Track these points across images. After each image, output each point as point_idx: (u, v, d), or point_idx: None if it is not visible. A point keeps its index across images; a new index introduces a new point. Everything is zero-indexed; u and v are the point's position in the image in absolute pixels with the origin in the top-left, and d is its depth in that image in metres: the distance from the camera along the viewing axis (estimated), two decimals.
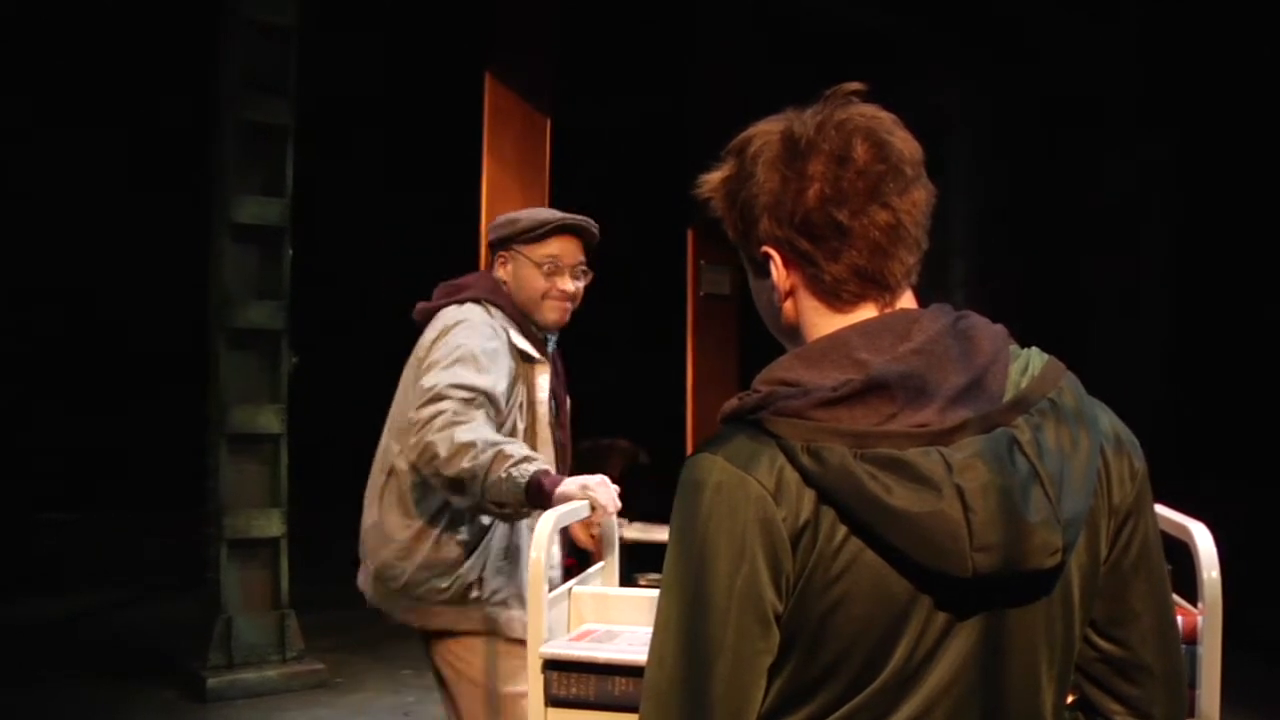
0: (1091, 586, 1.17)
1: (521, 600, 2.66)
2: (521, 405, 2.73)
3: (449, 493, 2.49)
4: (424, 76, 8.84)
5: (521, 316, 2.77)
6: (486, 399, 2.53)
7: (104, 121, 8.90)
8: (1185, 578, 1.57)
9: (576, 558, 3.19)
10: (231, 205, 5.50)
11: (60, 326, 9.42)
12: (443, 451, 2.38)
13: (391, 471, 2.70)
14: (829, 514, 1.08)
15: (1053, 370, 1.16)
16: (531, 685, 1.85)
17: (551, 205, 3.08)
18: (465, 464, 2.36)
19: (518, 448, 2.39)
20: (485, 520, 2.66)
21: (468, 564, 2.65)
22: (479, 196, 6.19)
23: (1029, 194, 7.89)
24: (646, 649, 1.16)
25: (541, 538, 1.92)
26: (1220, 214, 7.45)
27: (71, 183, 9.02)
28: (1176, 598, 1.45)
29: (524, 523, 2.68)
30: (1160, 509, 1.39)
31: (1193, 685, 1.66)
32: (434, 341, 2.64)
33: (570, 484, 2.32)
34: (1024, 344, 1.21)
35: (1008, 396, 1.12)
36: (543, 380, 2.78)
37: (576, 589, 2.10)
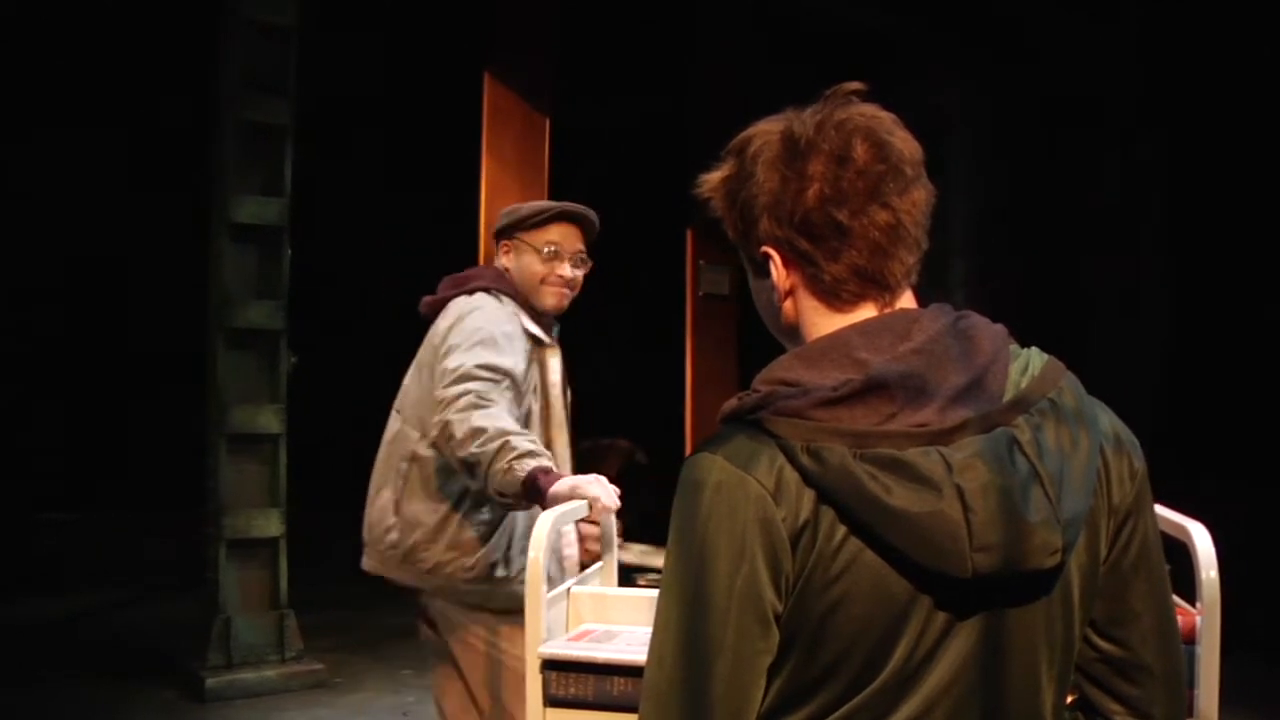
0: (1091, 586, 1.17)
1: (549, 579, 2.69)
2: (536, 388, 2.81)
3: (464, 473, 2.55)
4: (423, 76, 8.83)
5: (526, 303, 2.85)
6: (510, 379, 2.61)
7: (104, 121, 8.90)
8: (1184, 578, 1.56)
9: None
10: (231, 205, 5.49)
11: (60, 326, 9.41)
12: (458, 433, 2.45)
13: (413, 458, 2.77)
14: (828, 514, 1.08)
15: (1053, 370, 1.16)
16: (530, 685, 1.84)
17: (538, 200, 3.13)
18: (474, 449, 2.42)
19: (525, 440, 2.42)
20: None
21: (492, 542, 2.73)
22: (478, 196, 6.19)
23: (1029, 194, 7.89)
24: (645, 649, 1.16)
25: (540, 538, 1.92)
26: (1220, 214, 7.45)
27: (71, 183, 9.01)
28: (1175, 598, 1.45)
29: None
30: (1159, 509, 1.38)
31: (1191, 685, 1.66)
32: (450, 327, 2.71)
33: (563, 484, 2.33)
34: (1024, 344, 1.21)
35: (1008, 396, 1.12)
36: (554, 363, 2.87)
37: (575, 589, 2.10)
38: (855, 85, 1.22)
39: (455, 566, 2.75)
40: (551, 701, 1.83)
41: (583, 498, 2.28)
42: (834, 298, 1.19)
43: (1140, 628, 1.21)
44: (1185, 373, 7.60)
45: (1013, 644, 1.12)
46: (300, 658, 5.60)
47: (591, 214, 2.92)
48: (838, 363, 1.12)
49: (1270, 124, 6.88)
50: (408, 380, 2.90)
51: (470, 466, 2.46)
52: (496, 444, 2.40)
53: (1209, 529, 1.70)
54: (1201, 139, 7.45)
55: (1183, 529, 1.71)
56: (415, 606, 2.94)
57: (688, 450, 7.12)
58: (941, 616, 1.09)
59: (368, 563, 2.91)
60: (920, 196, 1.20)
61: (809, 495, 1.08)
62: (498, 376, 2.58)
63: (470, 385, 2.52)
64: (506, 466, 2.37)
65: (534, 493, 2.35)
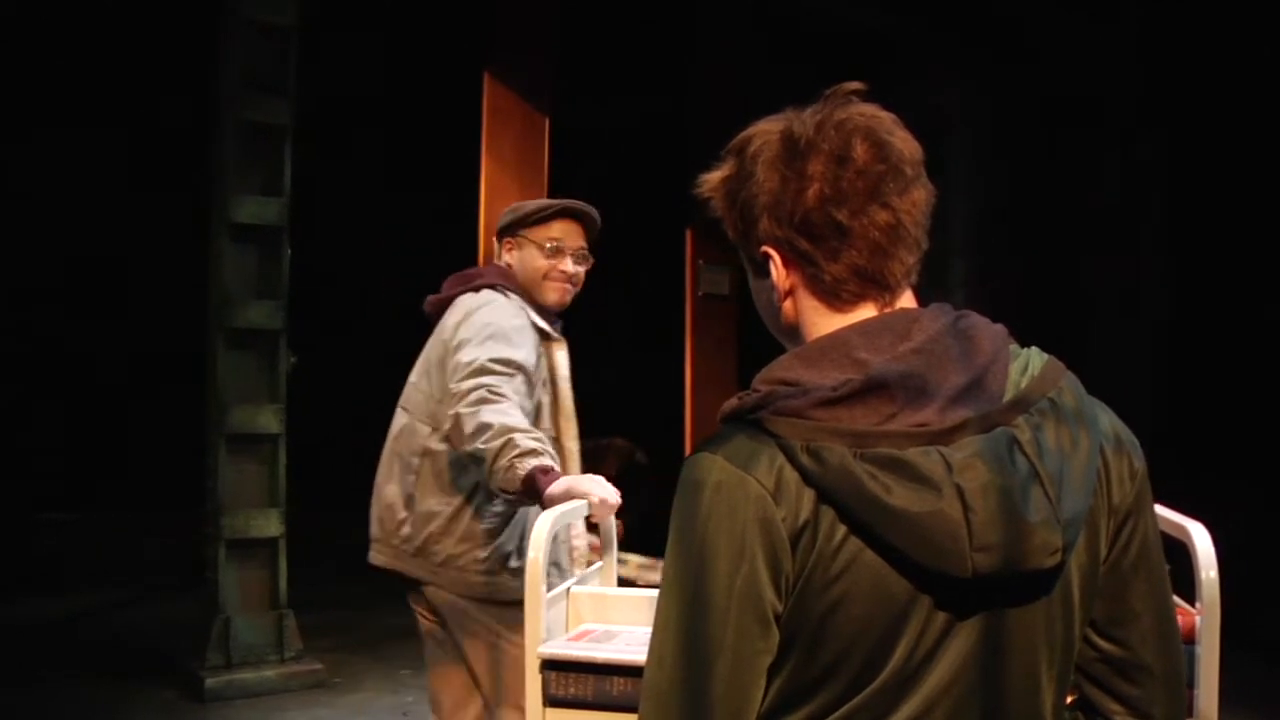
0: (1091, 586, 1.17)
1: (559, 568, 2.76)
2: (545, 382, 2.84)
3: (474, 466, 2.60)
4: (423, 76, 8.83)
5: (531, 299, 2.90)
6: (522, 372, 2.65)
7: (104, 121, 8.90)
8: (1184, 578, 1.57)
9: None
10: (230, 205, 5.49)
11: (60, 326, 9.41)
12: (467, 428, 2.49)
13: (425, 452, 2.81)
14: (828, 514, 1.08)
15: (1053, 370, 1.16)
16: (529, 685, 1.84)
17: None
18: (479, 445, 2.46)
19: (528, 439, 2.44)
20: None
21: (505, 534, 2.78)
22: (478, 196, 6.19)
23: (1029, 194, 7.89)
24: (645, 649, 1.16)
25: (539, 537, 1.92)
26: (1220, 214, 7.45)
27: (71, 183, 9.01)
28: (1175, 598, 1.45)
29: None
30: (1159, 509, 1.38)
31: (1191, 685, 1.66)
32: (460, 322, 2.75)
33: (559, 485, 2.35)
34: (1024, 344, 1.21)
35: (1008, 396, 1.12)
36: (561, 357, 2.91)
37: (575, 589, 2.10)
38: (855, 85, 1.22)
39: (468, 559, 2.78)
40: (551, 701, 1.83)
41: (578, 497, 2.29)
42: (834, 298, 1.19)
43: (1140, 628, 1.21)
44: (1185, 373, 7.60)
45: (1013, 644, 1.12)
46: (300, 658, 5.60)
47: (593, 211, 2.97)
48: (838, 363, 1.12)
49: (1270, 124, 6.88)
50: (415, 377, 2.93)
51: (477, 462, 2.51)
52: (500, 441, 2.42)
53: (1209, 529, 1.70)
54: (1201, 139, 7.45)
55: (1183, 529, 1.71)
56: (416, 602, 2.95)
57: (687, 450, 7.11)
58: (941, 616, 1.09)
59: (378, 558, 2.94)
60: (920, 196, 1.20)
61: (809, 495, 1.08)
62: (510, 370, 2.61)
63: (483, 379, 2.56)
64: (508, 464, 2.40)
65: (532, 492, 2.38)
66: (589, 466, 3.01)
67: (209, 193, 5.65)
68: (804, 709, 1.12)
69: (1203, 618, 1.68)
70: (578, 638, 1.96)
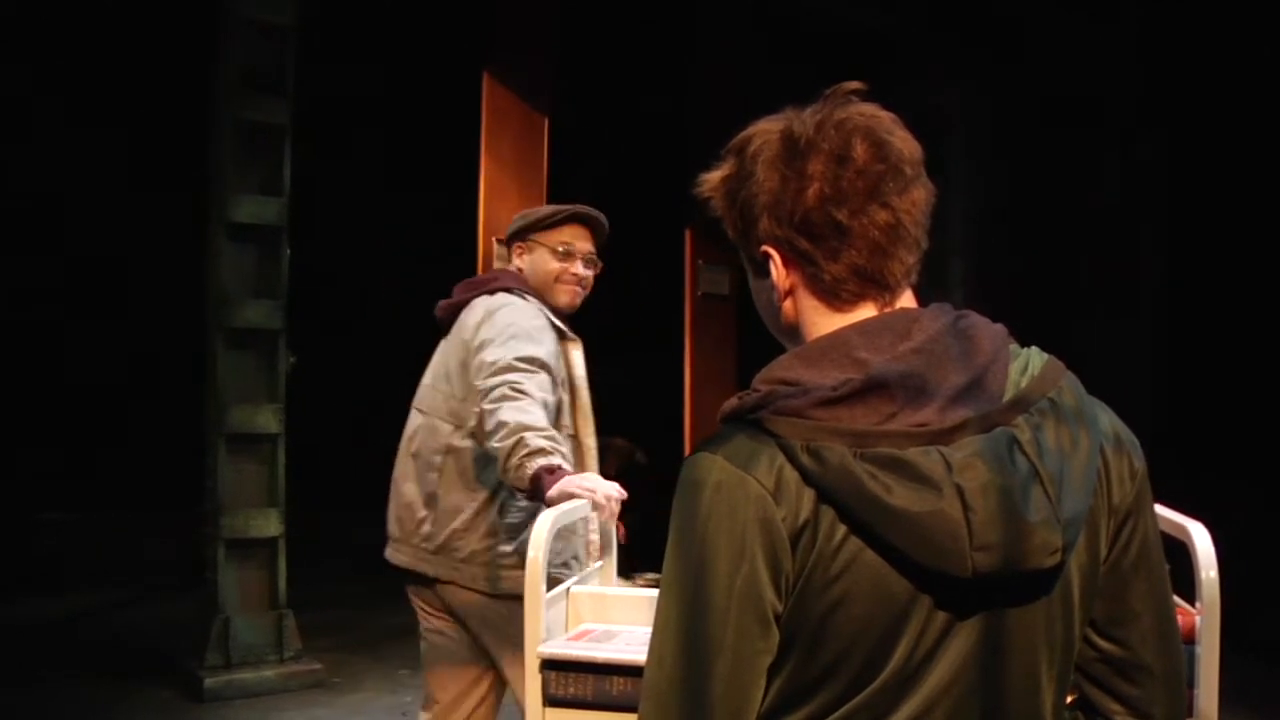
0: (1091, 586, 1.17)
1: (577, 561, 2.80)
2: (563, 381, 2.88)
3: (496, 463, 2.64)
4: (423, 76, 8.83)
5: (543, 302, 2.96)
6: (545, 370, 2.72)
7: (103, 121, 8.90)
8: (1184, 577, 1.56)
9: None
10: (229, 204, 5.49)
11: (60, 326, 9.41)
12: (487, 425, 2.58)
13: (448, 450, 2.87)
14: (828, 513, 1.08)
15: (1052, 370, 1.16)
16: (529, 685, 1.84)
17: (550, 204, 3.19)
18: (494, 443, 2.53)
19: (539, 438, 2.48)
20: None
21: (530, 529, 2.75)
22: (477, 196, 6.19)
23: (1028, 194, 7.89)
24: (644, 649, 1.15)
25: (539, 538, 1.92)
26: (1220, 214, 7.45)
27: (70, 182, 9.01)
28: (1175, 597, 1.45)
29: None
30: (1159, 509, 1.38)
31: (1191, 685, 1.66)
32: (481, 323, 2.82)
33: (556, 488, 2.37)
34: (1024, 343, 1.20)
35: (1008, 396, 1.12)
36: (578, 356, 2.97)
37: (575, 589, 2.10)
38: (855, 85, 1.22)
39: (493, 554, 2.81)
40: (551, 701, 1.82)
41: (573, 497, 2.30)
42: (834, 297, 1.19)
43: (1140, 627, 1.21)
44: (1185, 372, 7.60)
45: (1013, 644, 1.12)
46: (299, 658, 5.59)
47: (602, 217, 3.05)
48: (838, 362, 1.12)
49: (1270, 124, 6.88)
50: (430, 379, 2.99)
51: (495, 459, 2.57)
52: (513, 440, 2.48)
53: (1209, 529, 1.70)
54: (1201, 139, 7.45)
55: (1183, 529, 1.71)
56: (429, 602, 2.97)
57: (687, 450, 7.11)
58: (942, 616, 1.09)
59: (398, 557, 2.97)
60: (920, 196, 1.19)
61: (809, 495, 1.08)
62: (534, 368, 2.67)
63: (507, 376, 2.62)
64: (518, 463, 2.46)
65: (538, 493, 2.41)
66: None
67: (208, 192, 5.65)
68: (804, 709, 1.12)
69: (1203, 618, 1.68)
70: (577, 637, 1.96)
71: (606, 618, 2.05)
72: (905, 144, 1.19)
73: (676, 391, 7.27)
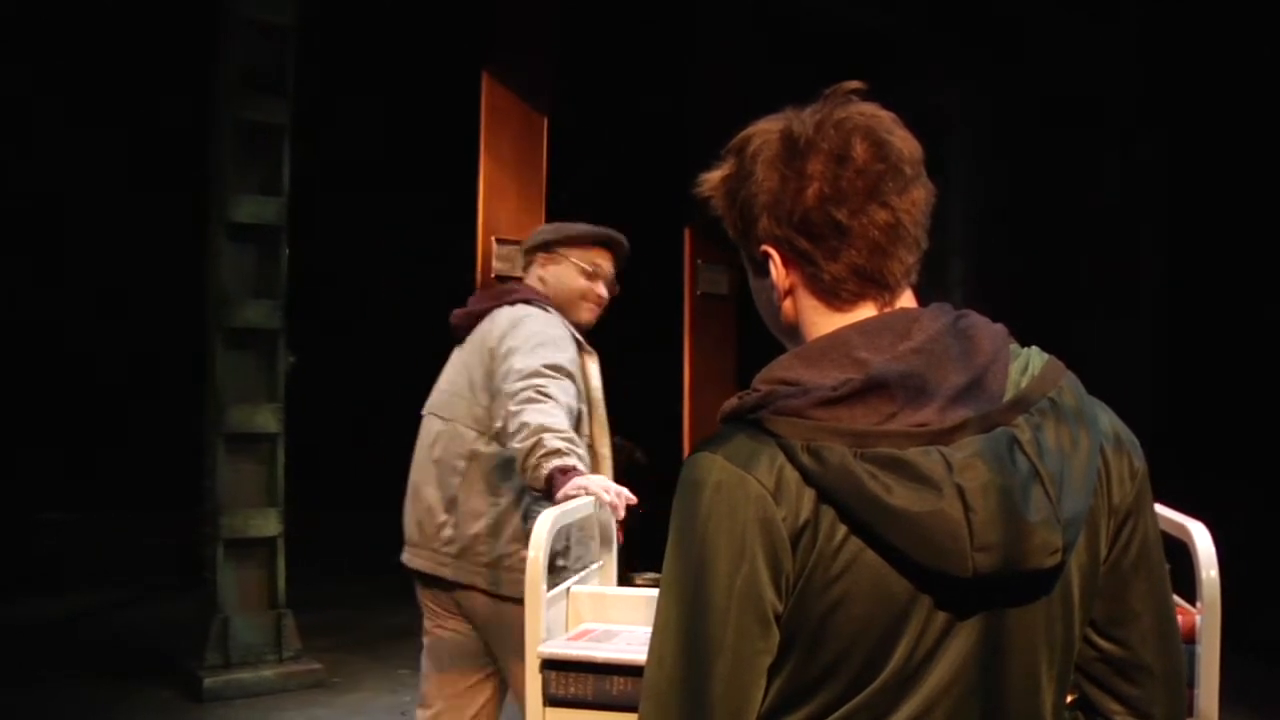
0: (1091, 586, 1.17)
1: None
2: (581, 393, 2.94)
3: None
4: (422, 76, 8.83)
5: (562, 315, 3.04)
6: (570, 377, 2.81)
7: (103, 121, 8.89)
8: (1184, 577, 1.56)
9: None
10: (229, 204, 5.49)
11: (60, 326, 9.41)
12: (510, 426, 2.66)
13: (472, 455, 2.92)
14: (829, 513, 1.08)
15: (1053, 370, 1.16)
16: (529, 685, 1.84)
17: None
18: (515, 443, 2.61)
19: (557, 439, 2.55)
20: None
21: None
22: (476, 196, 6.19)
23: (1028, 194, 7.89)
24: (644, 648, 1.15)
25: (539, 537, 1.92)
26: (1220, 214, 7.45)
27: (69, 182, 9.01)
28: (1175, 597, 1.45)
29: None
30: (1159, 508, 1.38)
31: (1191, 684, 1.66)
32: (506, 332, 2.89)
33: (566, 488, 2.42)
34: (1024, 343, 1.20)
35: (1008, 396, 1.12)
36: (594, 368, 3.05)
37: (575, 588, 2.10)
38: (855, 84, 1.22)
39: (516, 559, 2.83)
40: (551, 701, 1.82)
41: (574, 496, 2.35)
42: (833, 297, 1.19)
43: (1140, 627, 1.21)
44: (1185, 372, 7.60)
45: (1013, 644, 1.11)
46: (298, 657, 5.59)
47: (627, 244, 3.18)
48: (838, 362, 1.12)
49: (1270, 124, 6.88)
50: (447, 385, 3.05)
51: (516, 459, 2.65)
52: (532, 440, 2.56)
53: (1209, 529, 1.70)
54: (1201, 139, 7.45)
55: (1183, 528, 1.71)
56: (444, 606, 3.00)
57: (686, 450, 7.11)
58: (942, 616, 1.09)
59: (416, 561, 3.01)
60: (920, 195, 1.19)
61: (809, 495, 1.08)
62: (560, 374, 2.76)
63: (534, 380, 2.70)
64: (535, 463, 2.53)
65: (550, 493, 2.47)
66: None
67: (208, 192, 5.65)
68: (804, 709, 1.11)
69: (1203, 617, 1.68)
70: (577, 637, 1.96)
71: (606, 617, 2.05)
72: (905, 143, 1.19)
73: (676, 391, 7.27)
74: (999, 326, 1.18)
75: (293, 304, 5.70)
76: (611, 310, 3.25)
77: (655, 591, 1.18)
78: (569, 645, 1.88)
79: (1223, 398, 7.31)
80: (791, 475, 1.08)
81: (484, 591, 2.88)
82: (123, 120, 8.92)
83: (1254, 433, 6.93)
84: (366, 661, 5.93)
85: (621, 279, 3.21)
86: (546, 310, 2.99)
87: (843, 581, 1.08)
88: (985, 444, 1.07)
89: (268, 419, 5.57)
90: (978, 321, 1.17)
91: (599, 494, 2.37)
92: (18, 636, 6.19)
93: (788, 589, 1.09)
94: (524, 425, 2.60)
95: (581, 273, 3.08)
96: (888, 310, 1.19)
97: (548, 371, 2.73)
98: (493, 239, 6.17)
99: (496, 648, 2.93)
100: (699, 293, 7.40)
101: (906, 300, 1.21)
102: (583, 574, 2.27)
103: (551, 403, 2.66)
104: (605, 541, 2.41)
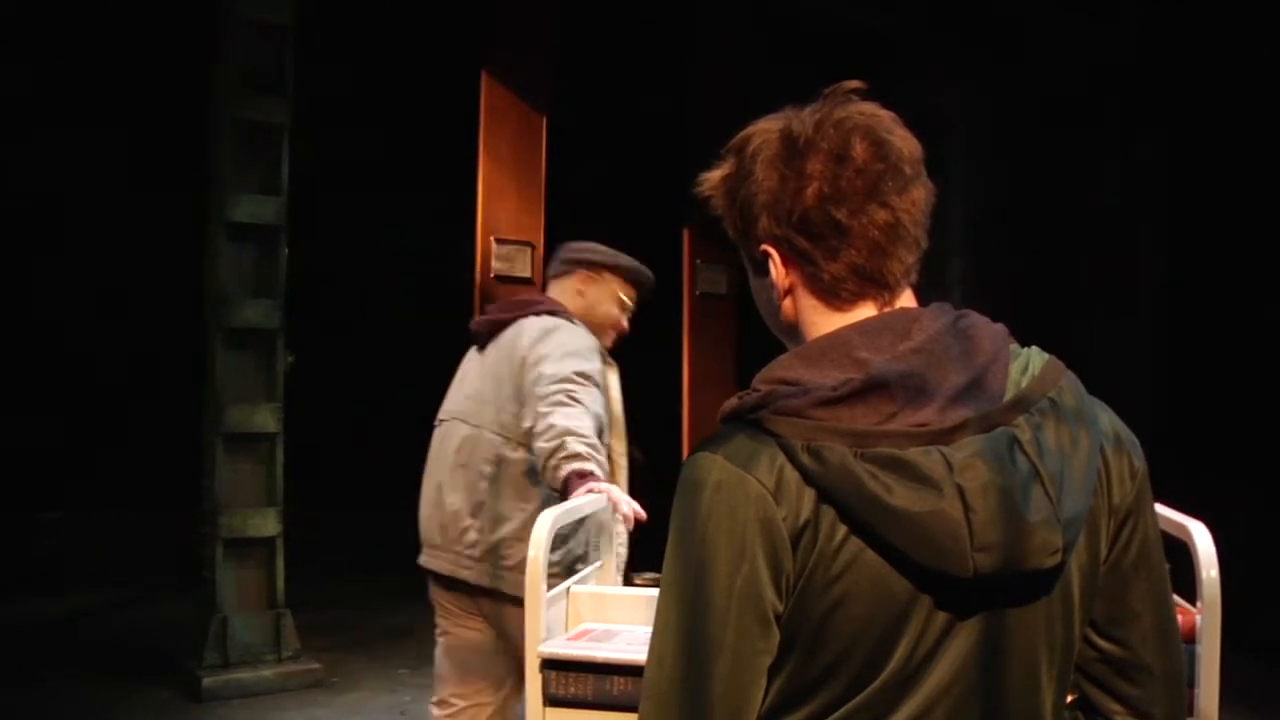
0: (1091, 586, 1.17)
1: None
2: (603, 403, 3.03)
3: None
4: (421, 76, 8.82)
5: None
6: (597, 387, 2.91)
7: (102, 121, 8.89)
8: (1184, 577, 1.56)
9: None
10: (228, 204, 5.49)
11: (59, 325, 9.40)
12: (539, 426, 2.75)
13: (499, 461, 2.99)
14: (829, 513, 1.08)
15: (1053, 370, 1.16)
16: (529, 685, 1.84)
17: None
18: (540, 443, 2.71)
19: (579, 443, 2.64)
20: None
21: (576, 538, 2.90)
22: (475, 196, 6.19)
23: (1028, 194, 7.89)
24: (644, 648, 1.15)
25: (539, 537, 1.91)
26: (1219, 214, 7.45)
27: (68, 182, 9.00)
28: (1175, 597, 1.45)
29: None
30: (1159, 508, 1.38)
31: (1191, 684, 1.66)
32: (537, 341, 2.97)
33: (585, 490, 2.49)
34: (1024, 343, 1.20)
35: (1008, 396, 1.12)
36: (614, 380, 3.14)
37: (575, 588, 2.10)
38: (855, 84, 1.22)
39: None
40: (551, 701, 1.82)
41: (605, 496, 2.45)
42: (833, 296, 1.19)
43: (1140, 627, 1.21)
44: (1185, 372, 7.60)
45: (1013, 644, 1.11)
46: (297, 657, 5.59)
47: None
48: (838, 362, 1.11)
49: (1270, 124, 6.88)
50: (472, 391, 3.10)
51: (537, 458, 2.76)
52: (556, 442, 2.66)
53: (1209, 528, 1.70)
54: (1201, 139, 7.45)
55: (1183, 528, 1.71)
56: (464, 609, 3.05)
57: (685, 450, 7.11)
58: (942, 616, 1.09)
59: (436, 563, 3.06)
60: (919, 195, 1.19)
61: (809, 495, 1.08)
62: (589, 382, 2.87)
63: (565, 386, 2.80)
64: (556, 464, 2.64)
65: (566, 494, 2.52)
66: None
67: (207, 192, 5.65)
68: (804, 709, 1.11)
69: (1203, 617, 1.68)
70: (577, 637, 1.96)
71: (606, 617, 2.05)
72: (905, 143, 1.19)
73: (675, 391, 7.27)
74: (999, 326, 1.18)
75: (292, 304, 5.70)
76: None
77: (655, 591, 1.18)
78: (569, 645, 1.88)
79: (1223, 398, 7.31)
80: (792, 475, 1.08)
81: (505, 594, 2.92)
82: (122, 120, 8.91)
83: (1254, 433, 6.93)
84: (365, 661, 5.93)
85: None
86: (573, 322, 3.09)
87: (843, 581, 1.08)
88: (985, 444, 1.07)
89: (267, 419, 5.57)
90: (978, 321, 1.17)
91: (616, 502, 2.44)
92: (17, 636, 6.19)
93: (788, 589, 1.09)
94: (551, 426, 2.70)
95: (617, 302, 3.23)
96: (888, 310, 1.18)
97: (578, 379, 2.83)
98: (492, 239, 6.18)
99: (516, 649, 2.96)
100: (698, 292, 7.40)
101: (906, 300, 1.21)
102: (582, 573, 2.27)
103: (580, 408, 2.76)
104: (606, 542, 2.41)
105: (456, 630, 3.09)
